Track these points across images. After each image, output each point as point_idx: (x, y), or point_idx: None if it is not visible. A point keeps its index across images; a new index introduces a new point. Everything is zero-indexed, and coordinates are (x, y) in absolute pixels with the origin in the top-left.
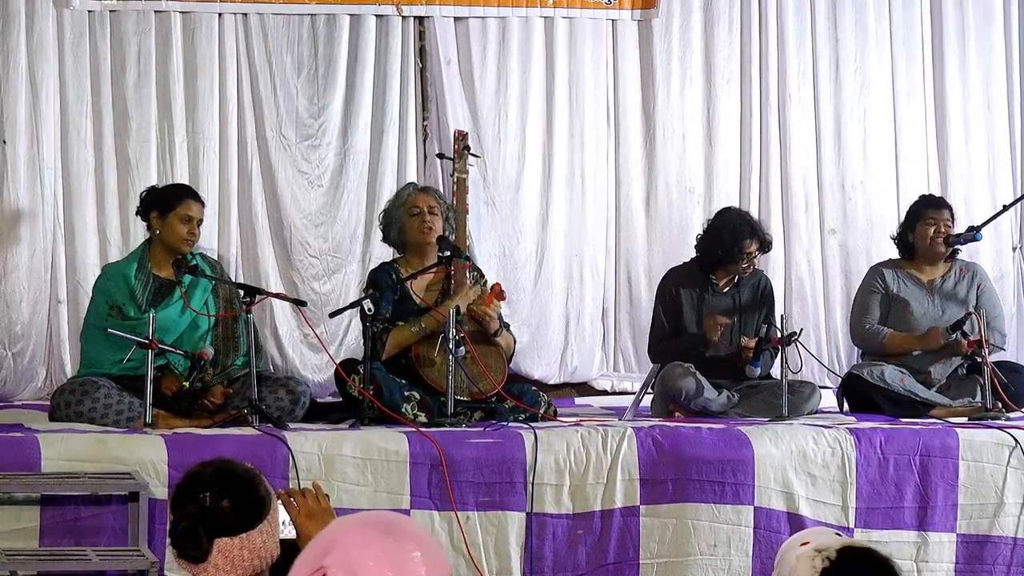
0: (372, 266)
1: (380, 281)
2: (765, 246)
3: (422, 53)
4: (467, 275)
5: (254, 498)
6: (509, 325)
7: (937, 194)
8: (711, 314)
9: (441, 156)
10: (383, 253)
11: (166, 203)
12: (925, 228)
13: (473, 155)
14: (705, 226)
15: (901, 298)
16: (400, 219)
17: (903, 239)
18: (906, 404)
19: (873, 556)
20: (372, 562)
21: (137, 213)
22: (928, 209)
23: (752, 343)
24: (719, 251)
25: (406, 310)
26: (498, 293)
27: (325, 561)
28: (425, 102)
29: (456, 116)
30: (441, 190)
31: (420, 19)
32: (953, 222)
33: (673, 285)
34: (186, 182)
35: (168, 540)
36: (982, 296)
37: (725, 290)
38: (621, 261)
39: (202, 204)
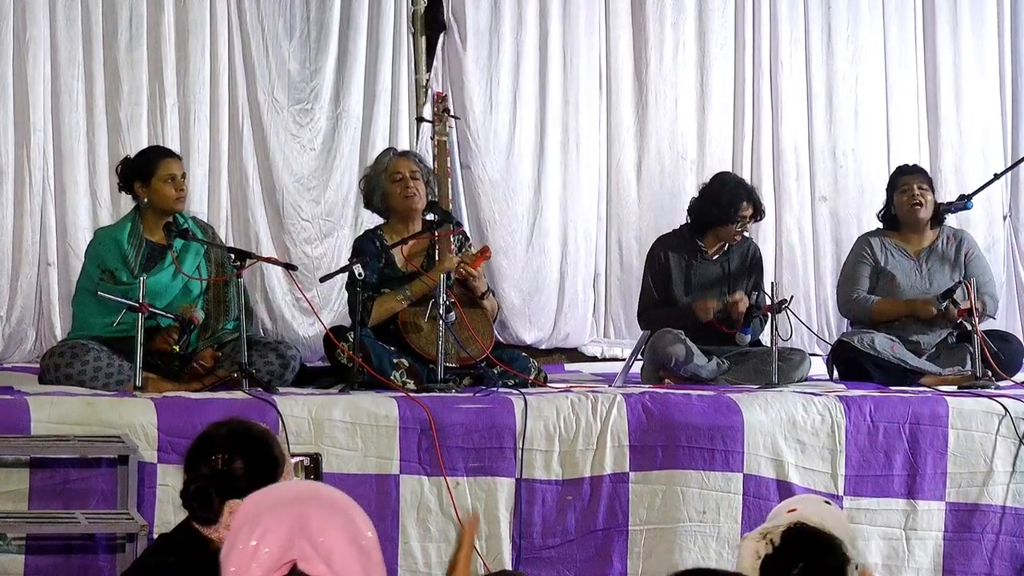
0: (365, 229)
1: (365, 249)
2: (759, 212)
3: (415, 18)
4: (451, 240)
5: (268, 459)
6: (494, 292)
7: (928, 162)
8: (700, 299)
9: (420, 119)
10: (375, 218)
11: (145, 170)
12: (901, 196)
13: (453, 117)
14: (701, 188)
15: (888, 271)
16: (382, 185)
17: (887, 213)
18: (896, 372)
19: (817, 538)
20: (338, 539)
21: (120, 189)
22: (901, 177)
23: (738, 296)
24: (715, 211)
25: (390, 277)
26: (483, 252)
27: (292, 553)
28: (430, 65)
29: (451, 81)
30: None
31: None
32: (931, 187)
33: (662, 251)
34: (177, 145)
35: (181, 501)
36: (971, 263)
37: (714, 257)
38: (613, 227)
39: (179, 159)
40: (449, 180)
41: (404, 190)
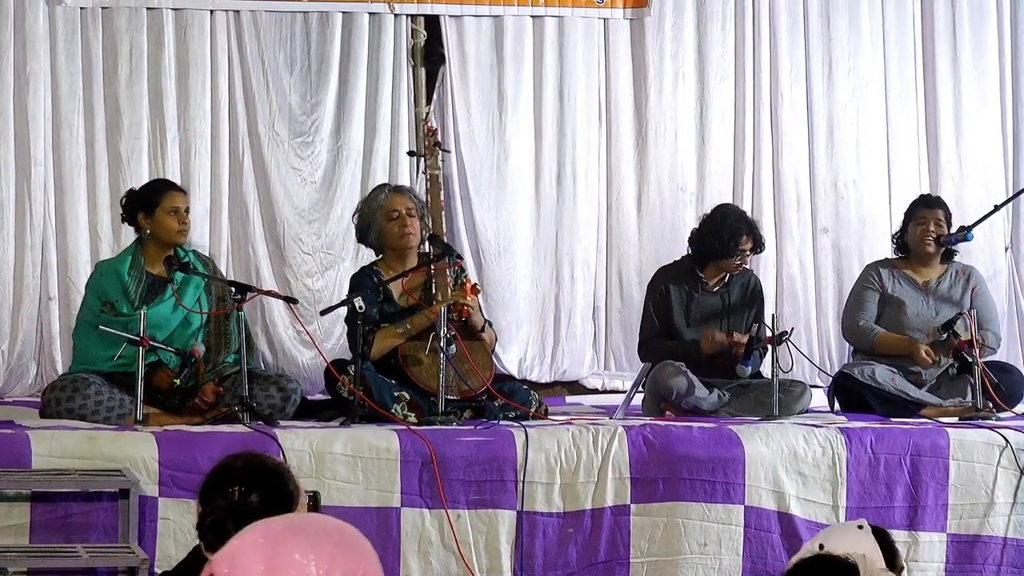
0: (365, 263)
1: (362, 285)
2: (758, 246)
3: (414, 51)
4: (447, 273)
5: (283, 492)
6: (491, 323)
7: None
8: (709, 331)
9: (412, 153)
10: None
11: (149, 202)
12: (916, 227)
13: (444, 150)
14: (702, 220)
15: (896, 298)
16: (378, 223)
17: (901, 238)
18: (897, 403)
19: (835, 563)
20: (246, 555)
21: (123, 220)
22: (920, 208)
23: (743, 339)
24: (716, 244)
25: (389, 312)
26: (472, 288)
27: (214, 558)
28: (429, 98)
29: (454, 115)
30: (425, 187)
31: (412, 17)
32: (948, 223)
33: (663, 283)
34: (177, 179)
35: (196, 533)
36: (976, 299)
37: (715, 289)
38: (612, 259)
39: (184, 193)
40: (443, 213)
41: (401, 229)
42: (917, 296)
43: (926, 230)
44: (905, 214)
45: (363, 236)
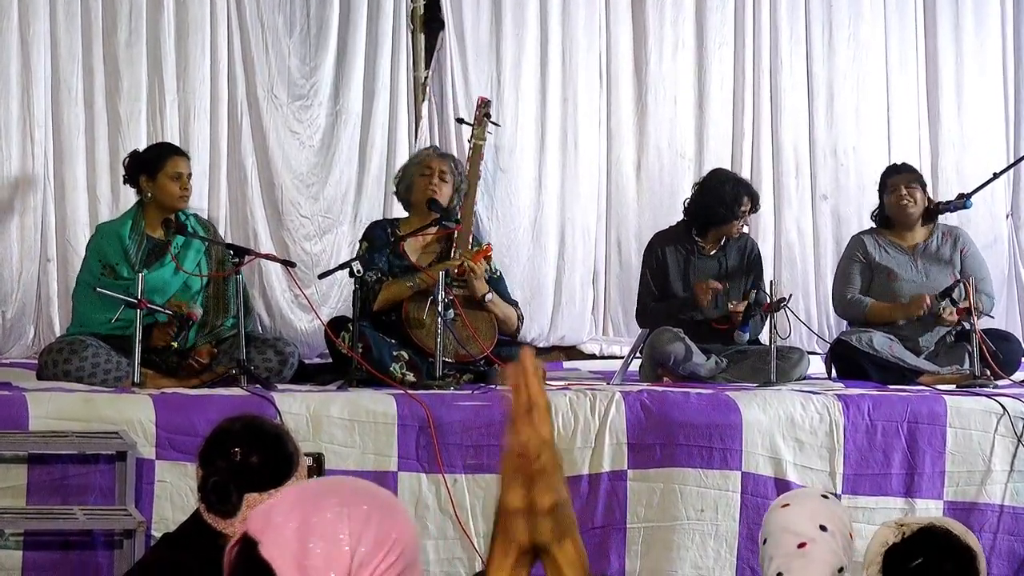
0: (363, 227)
1: (375, 236)
2: (756, 204)
3: (413, 16)
4: (468, 240)
5: (282, 454)
6: (517, 303)
7: (929, 161)
8: (700, 280)
9: (461, 121)
10: (373, 214)
11: (152, 165)
12: (890, 197)
13: (494, 123)
14: (697, 188)
15: (884, 266)
16: (410, 176)
17: (881, 214)
18: (894, 371)
19: (949, 540)
20: (281, 514)
21: (125, 181)
22: (890, 177)
23: (740, 307)
24: (720, 210)
25: (400, 266)
26: (486, 253)
27: (250, 515)
28: (428, 62)
29: (453, 80)
30: (467, 156)
31: None
32: (920, 185)
33: (660, 248)
34: (176, 141)
35: (198, 495)
36: (966, 260)
37: (712, 253)
38: (612, 225)
39: (187, 158)
40: (479, 183)
41: (427, 184)
42: (905, 261)
43: (900, 196)
44: (878, 189)
45: (398, 189)
